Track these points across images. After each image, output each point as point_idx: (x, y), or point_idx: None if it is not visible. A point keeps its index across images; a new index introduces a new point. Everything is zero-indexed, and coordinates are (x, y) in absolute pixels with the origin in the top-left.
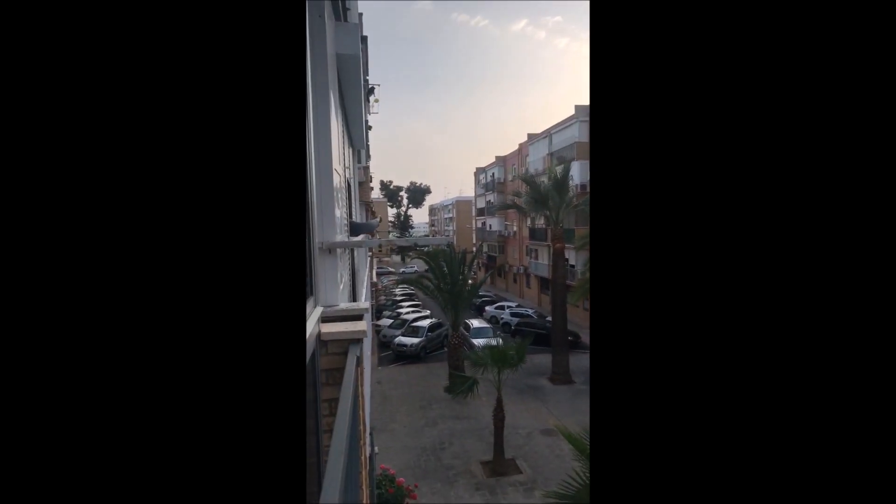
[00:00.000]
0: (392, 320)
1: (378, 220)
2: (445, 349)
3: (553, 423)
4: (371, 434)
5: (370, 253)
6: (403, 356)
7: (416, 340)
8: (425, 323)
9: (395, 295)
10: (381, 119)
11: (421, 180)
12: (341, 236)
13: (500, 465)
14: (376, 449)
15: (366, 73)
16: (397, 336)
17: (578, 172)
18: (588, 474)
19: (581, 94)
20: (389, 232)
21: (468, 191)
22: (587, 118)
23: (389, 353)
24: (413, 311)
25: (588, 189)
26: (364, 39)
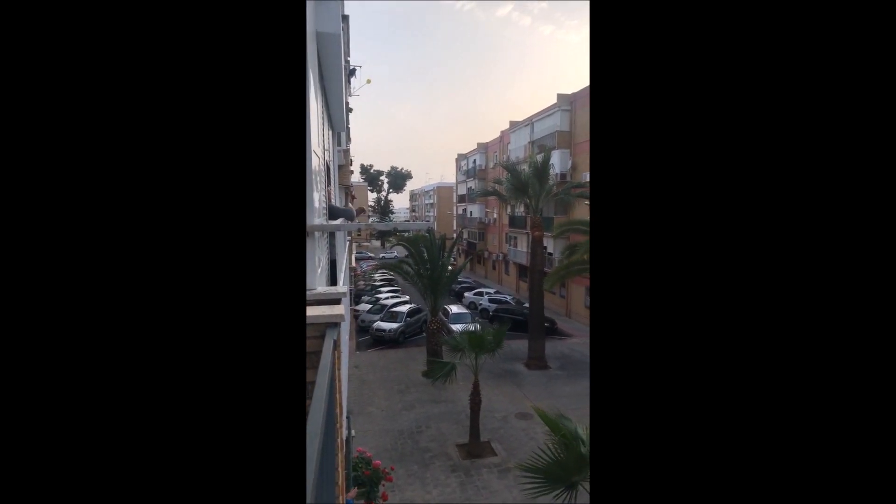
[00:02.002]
0: (371, 305)
1: (358, 209)
2: (424, 334)
3: (532, 407)
4: (348, 417)
5: (349, 237)
6: (382, 341)
7: (394, 325)
8: (404, 308)
9: (375, 280)
10: (362, 102)
11: (402, 165)
12: (319, 220)
13: (475, 448)
14: (353, 432)
15: (347, 53)
16: (376, 321)
17: (559, 161)
18: (557, 449)
19: (564, 83)
20: (369, 216)
21: (449, 177)
22: (569, 107)
23: (368, 337)
24: (392, 297)
25: (568, 178)
26: (345, 18)
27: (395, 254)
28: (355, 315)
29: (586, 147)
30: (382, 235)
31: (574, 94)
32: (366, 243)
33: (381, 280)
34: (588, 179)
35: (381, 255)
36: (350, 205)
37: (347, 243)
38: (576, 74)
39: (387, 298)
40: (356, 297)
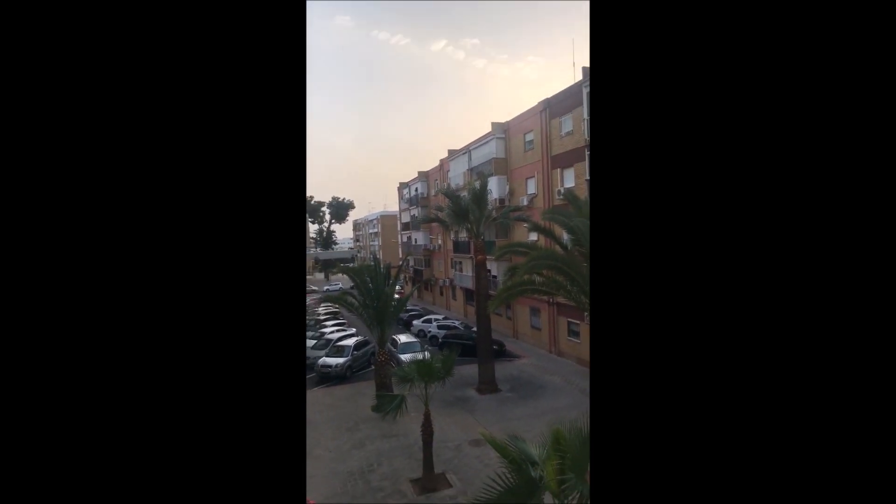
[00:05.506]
0: (315, 341)
1: None
2: (372, 367)
3: (480, 433)
4: None
5: None
6: (328, 377)
7: (341, 360)
8: (350, 342)
9: (319, 314)
10: None
11: (344, 195)
12: None
13: (429, 482)
14: None
15: None
16: (321, 357)
17: (496, 187)
18: (510, 476)
19: (498, 112)
20: (309, 249)
21: (392, 206)
22: (503, 135)
23: (314, 375)
24: (338, 330)
25: (506, 203)
26: None
27: (340, 285)
28: None
29: (522, 172)
30: (326, 267)
31: (507, 123)
32: (308, 276)
33: (326, 314)
34: (525, 203)
35: (326, 288)
36: None
37: None
38: (508, 104)
39: (332, 332)
40: None
